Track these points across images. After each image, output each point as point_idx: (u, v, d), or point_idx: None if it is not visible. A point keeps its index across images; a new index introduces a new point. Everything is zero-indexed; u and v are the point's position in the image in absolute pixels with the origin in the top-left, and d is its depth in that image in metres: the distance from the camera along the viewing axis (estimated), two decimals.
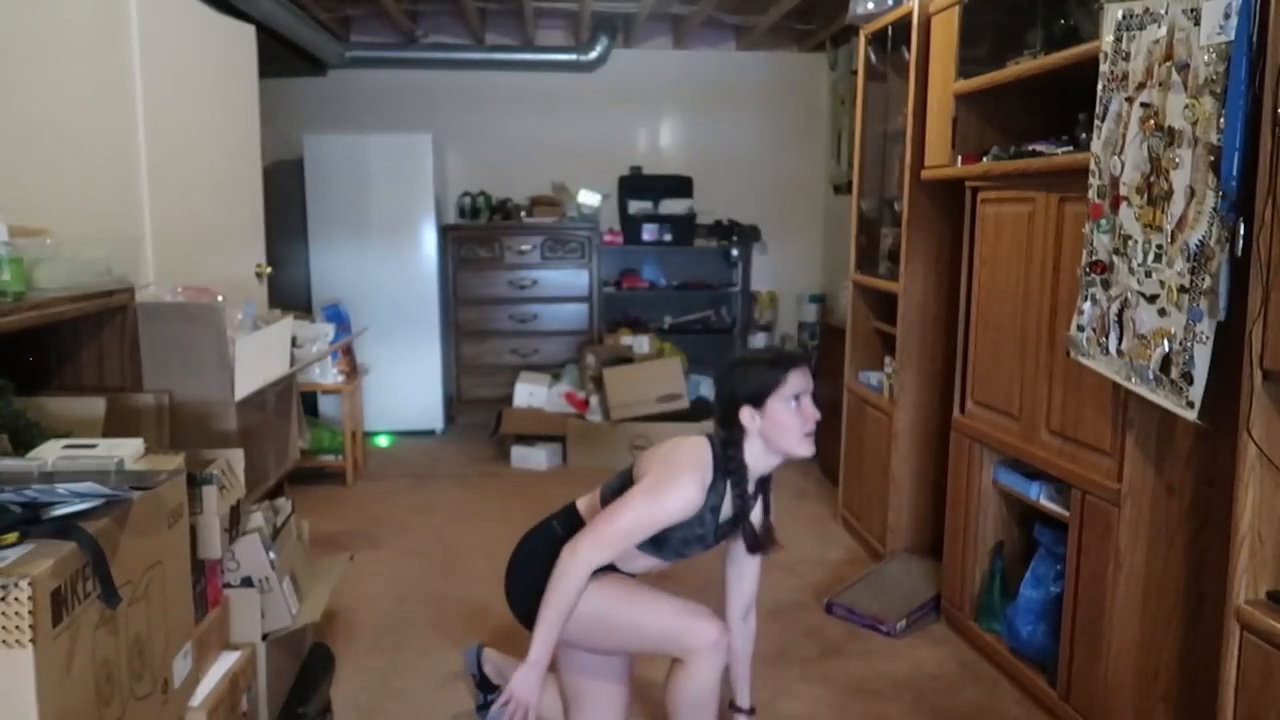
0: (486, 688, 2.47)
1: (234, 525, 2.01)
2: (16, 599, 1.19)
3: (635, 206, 5.75)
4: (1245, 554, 1.68)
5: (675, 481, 1.96)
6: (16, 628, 1.19)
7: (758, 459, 2.06)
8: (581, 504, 2.17)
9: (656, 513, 1.95)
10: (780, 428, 1.99)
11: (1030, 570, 2.65)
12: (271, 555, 2.13)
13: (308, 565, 2.45)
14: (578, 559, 1.91)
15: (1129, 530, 2.20)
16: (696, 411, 4.89)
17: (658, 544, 2.04)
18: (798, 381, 2.01)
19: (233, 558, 2.06)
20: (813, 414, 2.03)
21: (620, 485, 2.08)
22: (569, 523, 2.11)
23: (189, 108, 3.21)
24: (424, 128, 5.56)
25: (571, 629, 1.98)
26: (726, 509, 2.07)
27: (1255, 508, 1.67)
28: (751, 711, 2.32)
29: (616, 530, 1.94)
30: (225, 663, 1.95)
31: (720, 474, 2.02)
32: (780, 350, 2.12)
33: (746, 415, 2.00)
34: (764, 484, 2.14)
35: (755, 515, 2.12)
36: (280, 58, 5.08)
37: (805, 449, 2.01)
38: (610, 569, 2.05)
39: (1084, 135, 2.27)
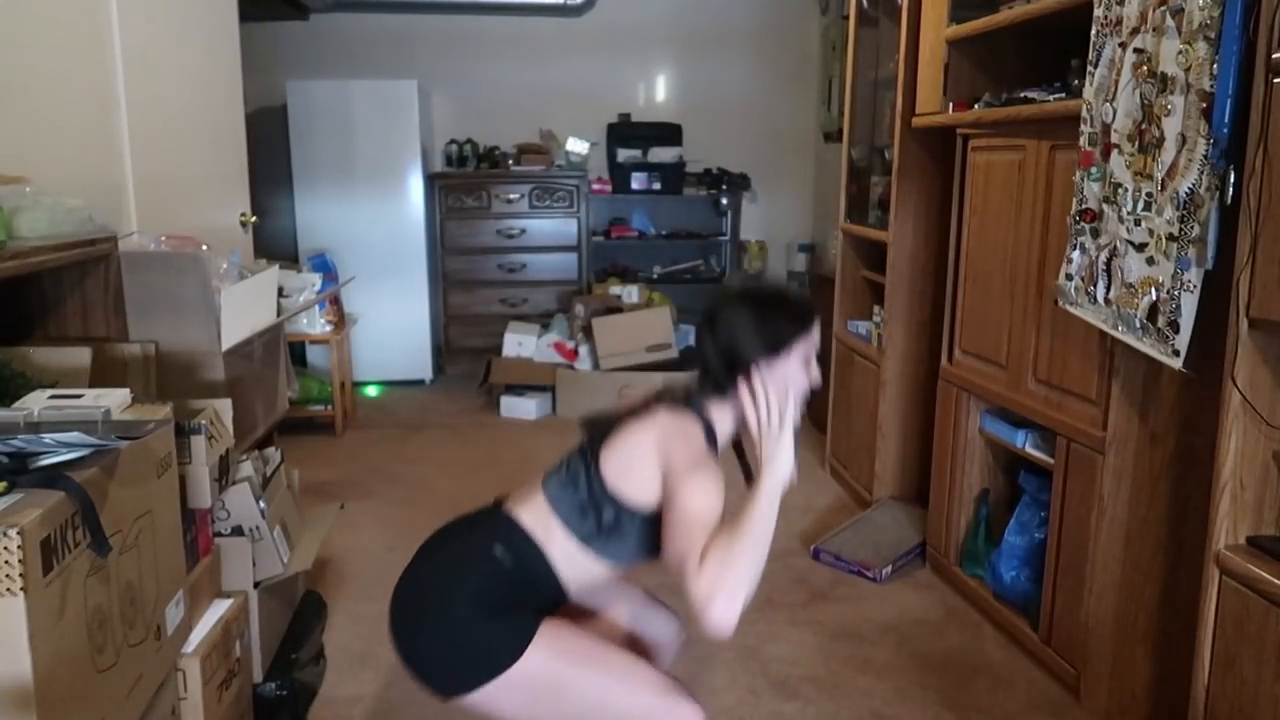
0: None
1: (224, 475, 2.01)
2: (6, 548, 1.19)
3: (624, 155, 5.69)
4: (1226, 500, 1.70)
5: (710, 467, 1.55)
6: (7, 576, 1.20)
7: (724, 434, 1.65)
8: (527, 517, 1.63)
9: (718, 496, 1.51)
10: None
11: (1015, 517, 2.68)
12: (262, 504, 2.14)
13: (298, 514, 2.46)
14: (717, 600, 1.35)
15: (1113, 477, 2.23)
16: (685, 361, 4.88)
17: (618, 543, 1.59)
18: (815, 337, 1.59)
19: (223, 507, 2.07)
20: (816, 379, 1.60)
21: (575, 475, 1.61)
22: (518, 551, 1.60)
23: (169, 52, 3.15)
24: (409, 74, 5.46)
25: (510, 699, 1.52)
26: None
27: (1237, 455, 1.69)
28: None
29: (703, 531, 1.45)
30: (218, 610, 1.98)
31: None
32: (795, 293, 1.64)
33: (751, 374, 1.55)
34: None
35: None
36: (261, 1, 4.97)
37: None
38: (560, 611, 1.64)
39: (1076, 82, 2.25)
